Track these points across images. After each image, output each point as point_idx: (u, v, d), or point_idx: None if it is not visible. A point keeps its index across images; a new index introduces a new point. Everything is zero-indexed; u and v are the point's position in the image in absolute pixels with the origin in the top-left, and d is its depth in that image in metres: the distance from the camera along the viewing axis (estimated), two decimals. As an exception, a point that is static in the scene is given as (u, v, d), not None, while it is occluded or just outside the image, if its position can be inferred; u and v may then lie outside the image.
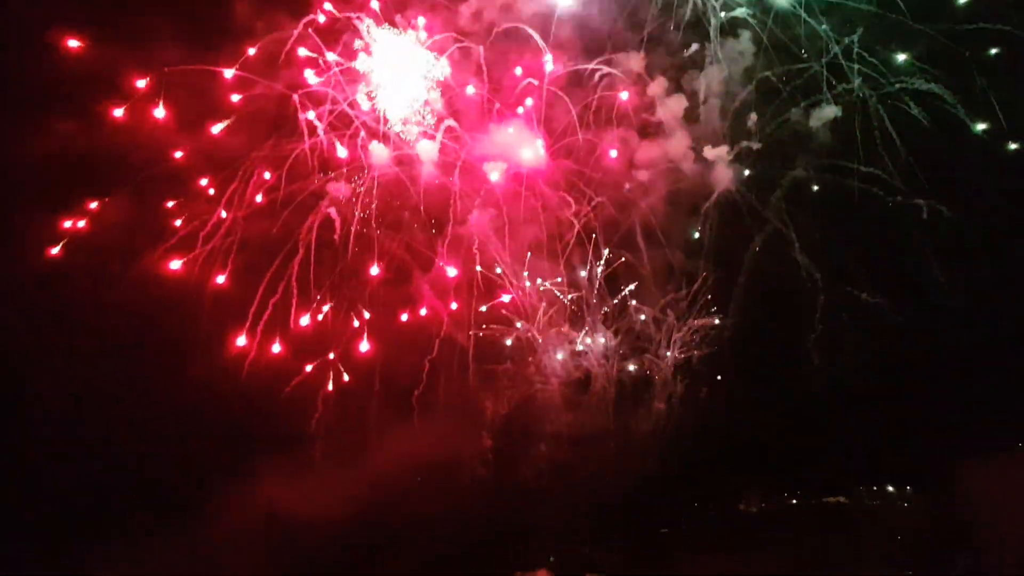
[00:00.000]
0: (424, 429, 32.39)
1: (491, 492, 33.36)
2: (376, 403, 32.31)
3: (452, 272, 32.73)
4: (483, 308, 33.36)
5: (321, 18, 31.16)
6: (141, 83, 29.95)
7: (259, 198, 31.62)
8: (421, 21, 31.97)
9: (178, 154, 30.97)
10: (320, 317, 31.87)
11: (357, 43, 31.59)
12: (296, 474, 31.57)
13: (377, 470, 31.69)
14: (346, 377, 32.25)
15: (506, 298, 33.43)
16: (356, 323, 32.25)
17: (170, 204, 31.10)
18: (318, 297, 31.63)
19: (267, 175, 31.57)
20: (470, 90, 32.60)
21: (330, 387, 32.05)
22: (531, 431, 34.05)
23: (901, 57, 32.31)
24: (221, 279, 31.03)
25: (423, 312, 32.87)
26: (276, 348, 31.43)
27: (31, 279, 29.52)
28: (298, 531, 31.29)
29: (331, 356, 32.13)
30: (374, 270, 32.08)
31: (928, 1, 31.71)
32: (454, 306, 32.76)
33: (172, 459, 30.52)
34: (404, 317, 32.86)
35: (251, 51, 30.56)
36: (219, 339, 30.73)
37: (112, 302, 29.88)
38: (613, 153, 33.74)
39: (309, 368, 31.95)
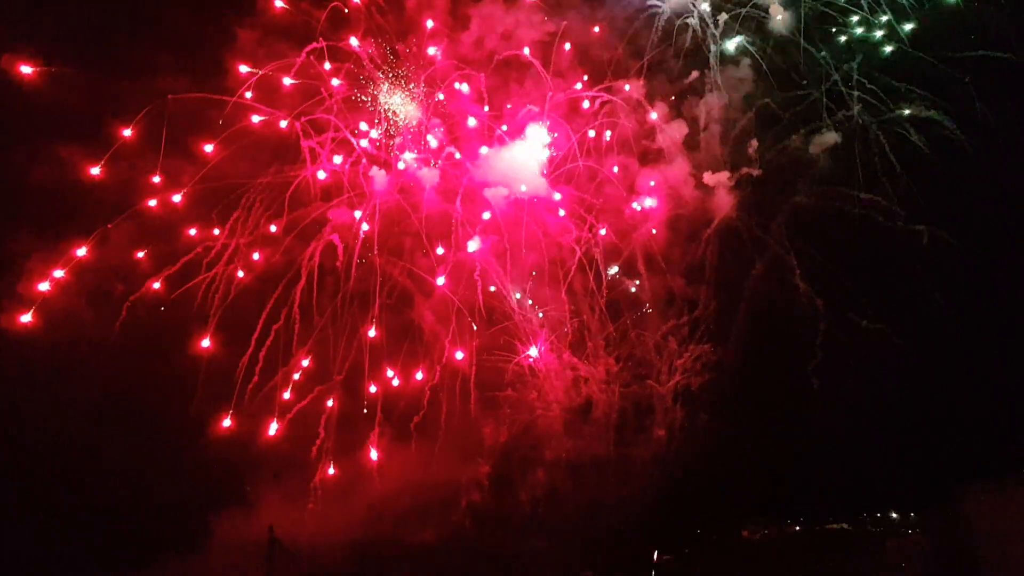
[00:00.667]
0: (423, 456, 32.34)
1: (491, 518, 33.22)
2: (377, 430, 32.28)
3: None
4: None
5: (327, 66, 31.57)
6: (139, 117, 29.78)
7: (261, 225, 31.78)
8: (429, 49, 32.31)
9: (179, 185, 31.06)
10: (308, 361, 31.86)
11: (358, 72, 31.98)
12: (296, 500, 31.53)
13: (376, 497, 31.69)
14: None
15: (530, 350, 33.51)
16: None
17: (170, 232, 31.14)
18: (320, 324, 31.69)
19: (268, 204, 31.70)
20: (471, 121, 32.85)
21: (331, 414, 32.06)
22: (532, 457, 33.93)
23: (900, 84, 32.48)
24: (207, 338, 30.62)
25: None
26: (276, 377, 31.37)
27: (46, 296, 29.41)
28: (297, 556, 31.20)
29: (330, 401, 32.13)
30: (372, 332, 31.92)
31: (928, 28, 31.99)
32: (460, 355, 32.58)
33: (176, 488, 30.44)
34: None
35: (254, 77, 30.85)
36: (220, 368, 30.67)
37: (115, 329, 29.91)
38: (637, 207, 34.11)
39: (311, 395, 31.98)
